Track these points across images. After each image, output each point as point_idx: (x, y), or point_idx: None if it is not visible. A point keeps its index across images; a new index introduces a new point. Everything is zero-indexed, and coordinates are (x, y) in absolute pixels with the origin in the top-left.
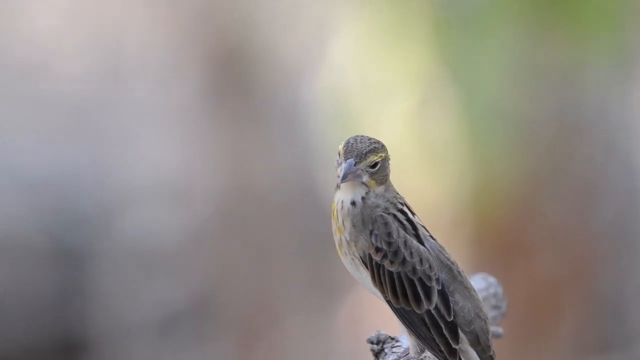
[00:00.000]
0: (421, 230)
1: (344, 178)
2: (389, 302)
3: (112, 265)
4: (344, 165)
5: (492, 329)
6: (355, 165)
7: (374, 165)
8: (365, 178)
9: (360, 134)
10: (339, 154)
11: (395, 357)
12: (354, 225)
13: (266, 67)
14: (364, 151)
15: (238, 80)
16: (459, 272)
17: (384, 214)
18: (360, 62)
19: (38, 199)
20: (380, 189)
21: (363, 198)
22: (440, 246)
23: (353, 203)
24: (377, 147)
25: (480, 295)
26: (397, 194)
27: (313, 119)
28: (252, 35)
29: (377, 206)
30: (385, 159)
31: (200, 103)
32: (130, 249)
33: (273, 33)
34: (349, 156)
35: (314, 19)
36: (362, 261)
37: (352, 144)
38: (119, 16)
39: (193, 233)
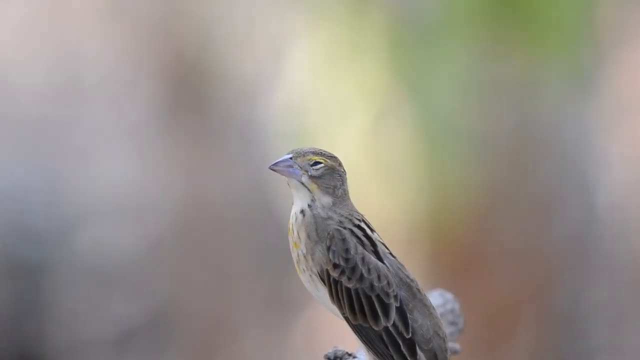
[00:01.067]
0: (380, 247)
1: (274, 164)
2: (347, 318)
3: (68, 281)
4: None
5: (450, 345)
6: (291, 160)
7: (314, 165)
8: (304, 178)
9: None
10: None
11: None
12: (308, 236)
13: (222, 84)
14: (305, 150)
15: (194, 96)
16: (418, 289)
17: (340, 229)
18: (316, 79)
19: None
20: (326, 200)
21: (309, 206)
22: (400, 264)
23: (302, 212)
24: (324, 153)
25: (438, 312)
26: (356, 211)
27: (269, 135)
28: (208, 52)
29: (330, 218)
30: (334, 169)
31: (157, 119)
32: (87, 265)
33: (229, 50)
34: (288, 153)
35: (270, 36)
36: (320, 277)
37: (298, 148)
38: (76, 32)
39: (149, 249)
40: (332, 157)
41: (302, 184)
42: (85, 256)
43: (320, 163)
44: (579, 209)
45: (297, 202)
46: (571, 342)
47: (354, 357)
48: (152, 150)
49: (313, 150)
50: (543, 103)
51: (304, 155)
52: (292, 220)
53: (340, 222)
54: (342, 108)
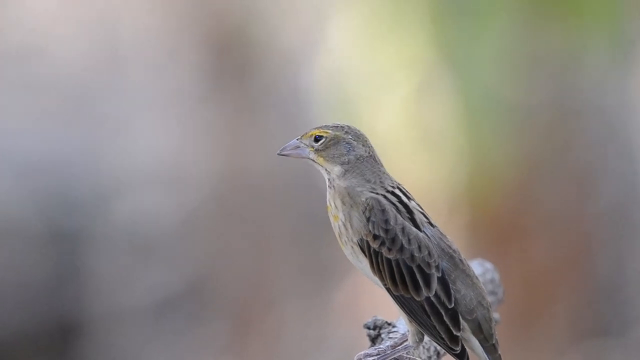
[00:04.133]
0: (418, 216)
1: (282, 149)
2: (388, 289)
3: (108, 249)
4: None
5: None
6: (298, 140)
7: (317, 140)
8: (311, 154)
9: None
10: None
11: (391, 342)
12: (343, 202)
13: (264, 52)
14: (310, 129)
15: (236, 65)
16: (460, 260)
17: (379, 199)
18: (358, 49)
19: (34, 182)
20: (336, 170)
21: (329, 179)
22: (442, 234)
23: (329, 186)
24: (329, 126)
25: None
26: (389, 177)
27: (310, 104)
28: (250, 20)
29: (358, 186)
30: (338, 138)
31: (197, 88)
32: (126, 233)
33: (272, 18)
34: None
35: (313, 4)
36: (361, 248)
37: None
38: (117, 1)
39: (189, 217)
40: (338, 127)
41: (312, 160)
42: (124, 225)
43: (322, 137)
44: (619, 179)
45: (324, 177)
46: (611, 311)
47: (393, 327)
48: (193, 119)
49: (318, 126)
50: (584, 73)
51: (306, 134)
52: (327, 196)
53: (373, 189)
54: (384, 78)
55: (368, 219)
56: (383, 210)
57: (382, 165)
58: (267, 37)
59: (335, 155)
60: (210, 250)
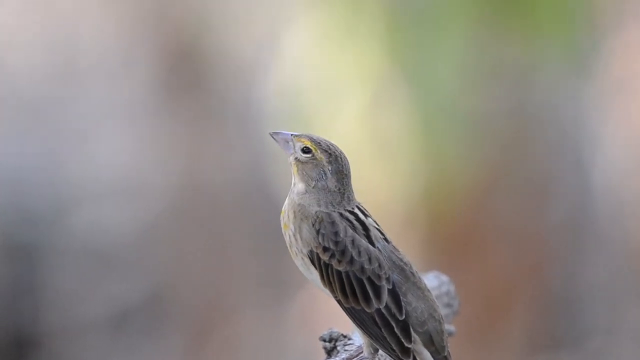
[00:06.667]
0: (373, 232)
1: (275, 132)
2: (339, 301)
3: (65, 262)
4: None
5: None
6: (291, 136)
7: (304, 150)
8: (291, 158)
9: (319, 134)
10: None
11: (347, 355)
12: (295, 215)
13: (219, 65)
14: (307, 134)
15: (191, 77)
16: (412, 272)
17: (330, 213)
18: (313, 60)
19: None
20: (300, 186)
21: (292, 189)
22: (394, 247)
23: (290, 193)
24: (322, 143)
25: (433, 294)
26: (348, 203)
27: (266, 116)
28: (205, 32)
29: (310, 205)
30: (319, 162)
31: (154, 100)
32: (83, 246)
33: (226, 30)
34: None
35: (268, 16)
36: (311, 260)
37: (308, 132)
38: (73, 13)
39: (146, 230)
40: (326, 152)
41: (290, 163)
42: (82, 237)
43: (310, 151)
44: (575, 190)
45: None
46: (567, 323)
47: (349, 339)
48: (149, 131)
49: (312, 137)
50: (540, 85)
51: (300, 137)
52: (286, 200)
53: (326, 208)
54: (340, 89)
55: (318, 232)
56: (332, 223)
57: (346, 198)
58: (222, 48)
59: (307, 175)
60: (168, 262)
